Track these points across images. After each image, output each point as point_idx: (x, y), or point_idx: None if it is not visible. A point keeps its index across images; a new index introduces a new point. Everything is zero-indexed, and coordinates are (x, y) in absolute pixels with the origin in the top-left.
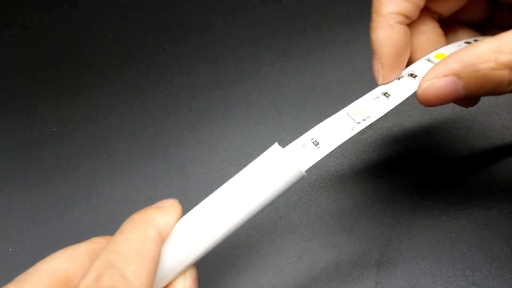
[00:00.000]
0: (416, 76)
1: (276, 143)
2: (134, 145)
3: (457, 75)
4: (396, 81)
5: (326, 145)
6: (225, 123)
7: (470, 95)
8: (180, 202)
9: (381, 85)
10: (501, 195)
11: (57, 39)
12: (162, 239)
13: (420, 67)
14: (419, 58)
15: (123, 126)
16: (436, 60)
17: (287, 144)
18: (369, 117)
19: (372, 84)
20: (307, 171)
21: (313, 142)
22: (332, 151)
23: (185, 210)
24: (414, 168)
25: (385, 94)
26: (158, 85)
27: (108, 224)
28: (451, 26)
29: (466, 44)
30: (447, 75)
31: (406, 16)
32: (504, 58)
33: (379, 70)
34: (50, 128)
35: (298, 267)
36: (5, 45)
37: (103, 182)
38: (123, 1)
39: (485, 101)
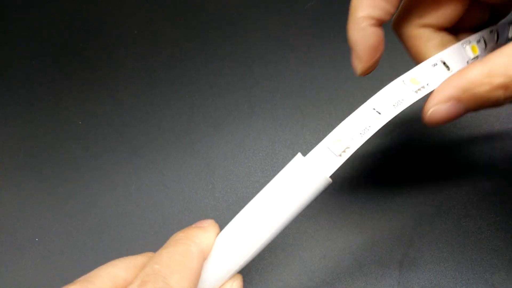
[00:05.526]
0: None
1: (299, 153)
2: (161, 140)
3: (458, 100)
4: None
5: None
6: (250, 122)
7: (472, 111)
8: (206, 197)
9: (359, 75)
10: None
11: (85, 33)
12: (203, 256)
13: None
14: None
15: (150, 121)
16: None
17: (310, 146)
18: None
19: None
20: (332, 175)
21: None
22: (354, 153)
23: (211, 205)
24: (436, 172)
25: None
26: (186, 83)
27: (134, 217)
28: (460, 33)
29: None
30: (449, 101)
31: (377, 19)
32: (497, 81)
33: (357, 64)
34: (76, 121)
35: (322, 265)
36: (32, 37)
37: (129, 175)
38: None
39: None
